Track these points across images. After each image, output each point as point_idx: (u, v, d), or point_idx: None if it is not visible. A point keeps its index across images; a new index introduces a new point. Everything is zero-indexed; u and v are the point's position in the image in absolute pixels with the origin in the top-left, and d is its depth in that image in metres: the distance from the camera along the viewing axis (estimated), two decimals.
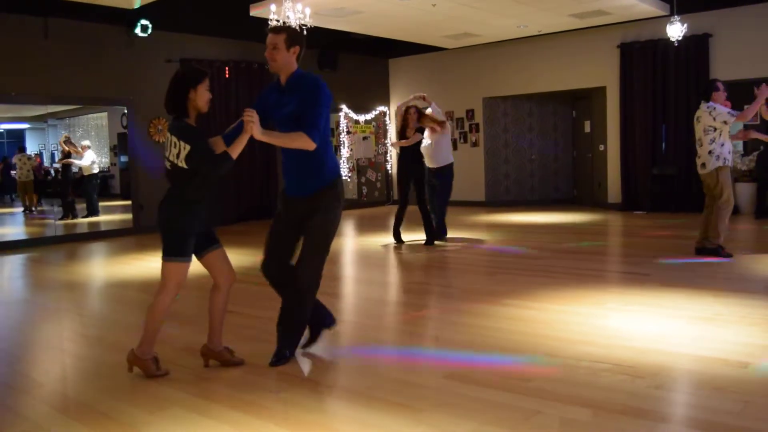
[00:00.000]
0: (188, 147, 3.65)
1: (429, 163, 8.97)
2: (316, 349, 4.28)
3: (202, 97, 3.77)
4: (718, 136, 6.97)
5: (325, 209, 3.97)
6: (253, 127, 3.69)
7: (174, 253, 3.78)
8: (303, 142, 3.83)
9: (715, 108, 6.97)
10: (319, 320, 4.29)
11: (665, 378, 3.60)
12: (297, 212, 4.03)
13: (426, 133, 8.85)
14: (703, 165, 7.08)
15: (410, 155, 8.85)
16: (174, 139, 3.70)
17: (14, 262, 9.23)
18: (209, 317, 4.01)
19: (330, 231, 4.01)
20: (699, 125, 7.10)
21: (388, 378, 3.89)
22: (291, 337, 4.12)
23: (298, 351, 4.20)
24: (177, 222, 3.77)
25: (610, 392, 3.38)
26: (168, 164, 3.79)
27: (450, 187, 9.10)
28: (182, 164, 3.69)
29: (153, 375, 3.88)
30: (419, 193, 8.87)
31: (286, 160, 4.04)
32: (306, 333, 4.24)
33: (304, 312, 4.10)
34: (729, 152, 7.04)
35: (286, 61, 3.95)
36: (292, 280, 4.03)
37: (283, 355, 4.06)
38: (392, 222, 9.25)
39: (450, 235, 9.35)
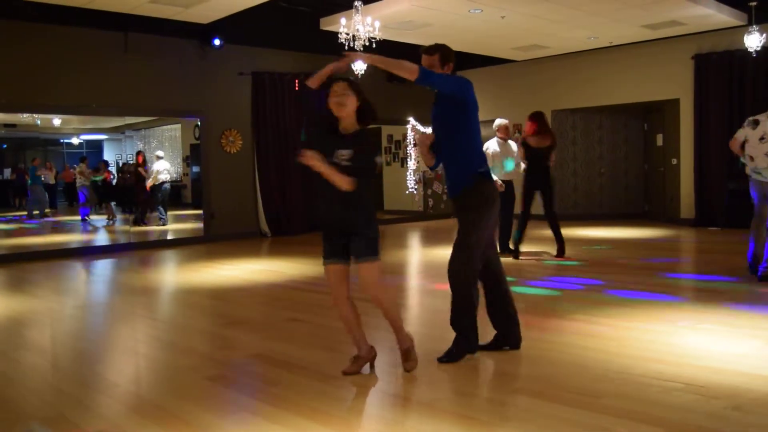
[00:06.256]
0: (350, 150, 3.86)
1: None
2: (383, 359, 4.29)
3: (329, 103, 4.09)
4: None
5: (468, 207, 4.27)
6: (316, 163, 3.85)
7: (377, 251, 3.96)
8: (407, 66, 4.02)
9: None
10: (507, 333, 4.49)
11: (743, 399, 3.47)
12: (455, 212, 4.43)
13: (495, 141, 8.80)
14: None
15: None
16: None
17: (91, 267, 9.59)
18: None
19: (469, 228, 4.23)
20: None
21: (455, 391, 3.88)
22: (458, 334, 4.33)
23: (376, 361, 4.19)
24: (375, 225, 3.97)
25: (684, 412, 3.28)
26: (345, 162, 3.88)
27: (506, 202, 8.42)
28: (347, 163, 3.83)
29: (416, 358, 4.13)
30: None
31: (444, 167, 4.43)
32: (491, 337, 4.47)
33: (456, 307, 4.31)
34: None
35: None
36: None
37: (450, 353, 4.28)
38: None
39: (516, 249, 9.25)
